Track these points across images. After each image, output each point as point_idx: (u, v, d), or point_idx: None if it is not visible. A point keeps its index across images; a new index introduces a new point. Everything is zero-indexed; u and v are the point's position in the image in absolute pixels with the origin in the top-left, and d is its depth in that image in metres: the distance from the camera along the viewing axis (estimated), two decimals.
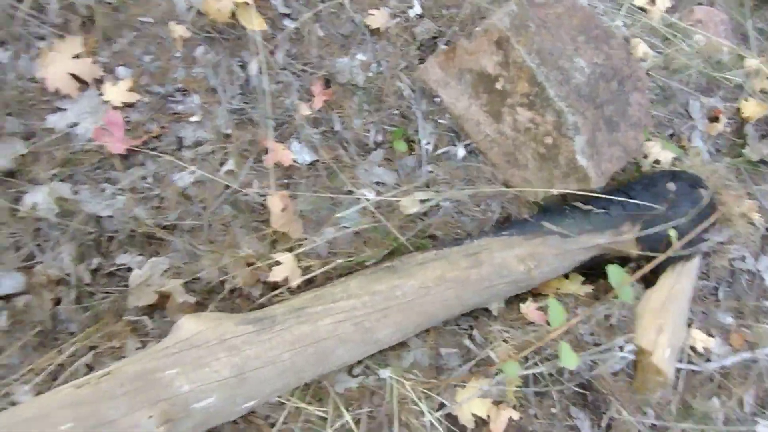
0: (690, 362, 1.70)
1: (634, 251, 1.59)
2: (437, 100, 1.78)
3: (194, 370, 1.15)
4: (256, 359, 1.22)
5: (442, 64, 1.69)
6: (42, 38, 1.55)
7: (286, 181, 1.61)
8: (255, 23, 1.72)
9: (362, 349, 1.34)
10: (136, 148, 1.51)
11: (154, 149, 1.53)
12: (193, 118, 1.61)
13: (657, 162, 1.91)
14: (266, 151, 1.61)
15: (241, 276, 1.47)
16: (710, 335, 1.77)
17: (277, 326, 1.30)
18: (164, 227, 1.45)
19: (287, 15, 1.80)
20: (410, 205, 1.63)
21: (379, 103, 1.76)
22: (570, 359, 1.20)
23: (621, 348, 1.71)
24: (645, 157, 1.90)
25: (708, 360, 1.75)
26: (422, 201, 1.65)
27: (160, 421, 1.06)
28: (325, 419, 1.41)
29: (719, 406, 1.68)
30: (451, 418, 1.51)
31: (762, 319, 1.85)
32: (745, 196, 1.94)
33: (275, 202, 1.44)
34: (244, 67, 1.70)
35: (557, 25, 1.55)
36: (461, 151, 1.72)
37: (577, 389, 1.62)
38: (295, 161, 1.63)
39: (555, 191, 1.52)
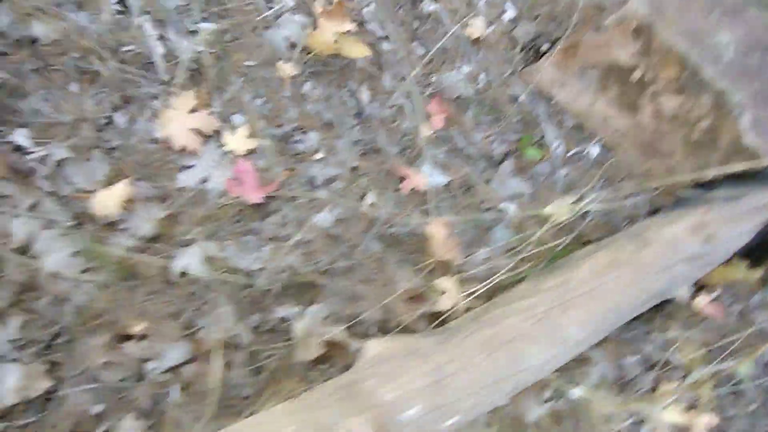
0: None
1: None
2: (553, 101, 1.76)
3: (391, 380, 1.09)
4: (449, 364, 1.15)
5: (559, 63, 1.66)
6: (155, 97, 1.53)
7: (425, 207, 1.57)
8: (356, 51, 1.71)
9: (553, 348, 1.27)
10: (270, 195, 1.47)
11: (287, 194, 1.49)
12: (317, 156, 1.58)
13: None
14: (401, 180, 1.57)
15: (405, 311, 1.42)
16: None
17: (460, 334, 1.24)
18: (317, 272, 1.41)
19: (385, 38, 1.78)
20: (561, 212, 1.59)
21: (495, 113, 1.73)
22: None
23: None
24: None
25: None
26: (568, 206, 1.61)
27: (372, 429, 1.02)
28: None
29: None
30: None
31: None
32: None
33: (437, 229, 1.40)
34: (353, 96, 1.67)
35: (688, 4, 1.52)
36: (595, 150, 1.68)
37: None
38: (430, 186, 1.59)
39: (711, 173, 1.48)
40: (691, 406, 1.42)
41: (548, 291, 1.30)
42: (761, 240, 1.54)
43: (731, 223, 1.46)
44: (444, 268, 1.40)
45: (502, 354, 1.18)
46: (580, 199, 1.57)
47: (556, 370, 1.36)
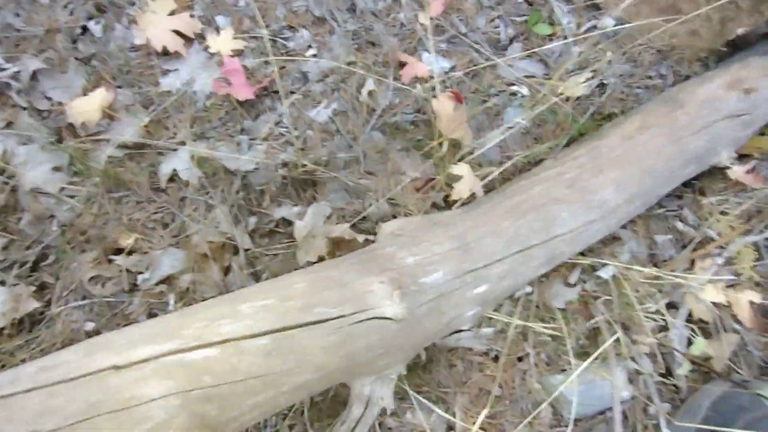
0: None
1: None
2: None
3: (414, 246, 0.94)
4: (474, 229, 0.98)
5: None
6: (132, 3, 1.32)
7: (429, 93, 1.35)
8: None
9: (587, 214, 1.06)
10: (261, 92, 1.27)
11: (278, 91, 1.28)
12: (310, 52, 1.36)
13: None
14: (400, 67, 1.35)
15: (415, 202, 1.21)
16: None
17: (485, 204, 1.05)
18: (316, 166, 1.20)
19: None
20: (573, 87, 1.34)
21: None
22: None
23: None
24: None
25: None
26: (584, 83, 1.36)
27: (392, 288, 0.81)
28: (556, 337, 1.13)
29: None
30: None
31: None
32: None
33: (444, 103, 1.17)
34: None
35: None
36: (609, 21, 1.43)
37: None
38: (431, 72, 1.36)
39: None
40: (732, 283, 1.18)
41: (577, 159, 1.10)
42: None
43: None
44: (455, 150, 1.17)
45: (532, 217, 0.99)
46: (596, 73, 1.32)
47: (589, 250, 1.14)
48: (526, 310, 1.14)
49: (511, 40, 1.44)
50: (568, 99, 1.34)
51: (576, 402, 1.04)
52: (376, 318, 0.82)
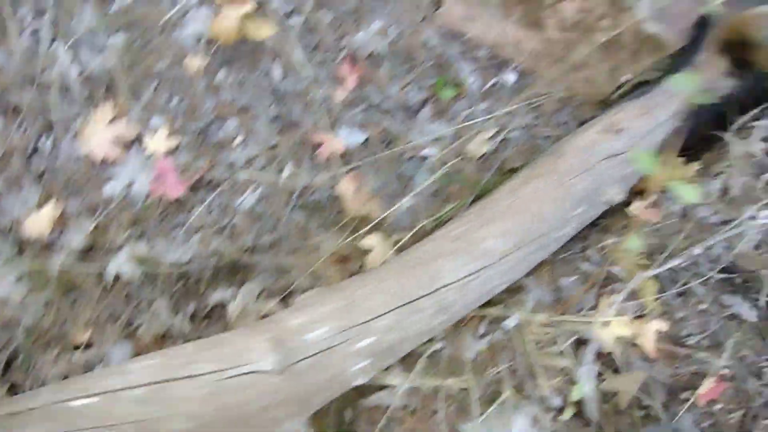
0: None
1: None
2: (466, 38, 1.58)
3: (302, 309, 1.09)
4: (362, 288, 1.11)
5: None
6: (76, 117, 1.46)
7: (346, 168, 1.45)
8: (262, 31, 1.58)
9: (473, 263, 1.15)
10: (194, 186, 1.39)
11: (210, 182, 1.40)
12: (237, 140, 1.48)
13: None
14: (317, 147, 1.46)
15: (334, 274, 1.32)
16: None
17: (377, 268, 1.21)
18: (245, 251, 1.32)
19: (291, 12, 1.64)
20: (479, 145, 1.43)
21: (409, 63, 1.58)
22: (688, 192, 0.99)
23: (753, 218, 1.44)
24: None
25: None
26: (489, 139, 1.45)
27: (270, 344, 0.98)
28: (466, 389, 1.23)
29: None
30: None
31: None
32: None
33: (346, 186, 1.29)
34: (267, 76, 1.55)
35: None
36: (511, 77, 1.51)
37: (722, 276, 1.36)
38: (348, 146, 1.47)
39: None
40: (638, 316, 1.26)
41: (466, 215, 1.18)
42: (692, 135, 1.34)
43: (642, 116, 1.28)
44: (366, 223, 1.28)
45: (419, 271, 1.09)
46: (501, 130, 1.41)
47: (492, 302, 1.23)
48: (435, 365, 1.24)
49: (422, 105, 1.53)
50: (477, 157, 1.42)
51: None
52: (253, 372, 0.93)
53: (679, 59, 1.34)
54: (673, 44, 1.27)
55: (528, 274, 1.32)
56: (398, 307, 1.07)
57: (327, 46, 1.59)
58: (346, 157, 1.46)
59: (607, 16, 1.29)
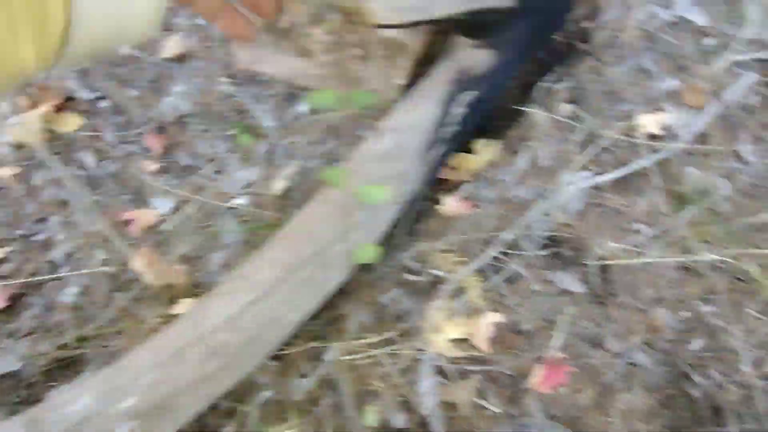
0: (652, 153, 1.31)
1: None
2: (262, 78, 1.55)
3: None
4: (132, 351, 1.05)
5: (242, 42, 1.46)
6: None
7: (163, 236, 1.43)
8: (70, 124, 1.59)
9: (241, 298, 1.09)
10: (18, 294, 1.39)
11: (34, 284, 1.39)
12: (59, 237, 1.47)
13: None
14: (130, 223, 1.44)
15: None
16: (661, 111, 1.37)
17: None
18: (72, 347, 1.30)
19: (100, 97, 1.65)
20: (280, 184, 1.40)
21: (212, 115, 1.55)
22: (377, 194, 0.94)
23: (570, 183, 1.36)
24: None
25: (676, 136, 1.35)
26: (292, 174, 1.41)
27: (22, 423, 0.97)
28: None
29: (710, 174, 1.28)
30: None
31: (710, 59, 1.42)
32: None
33: (140, 262, 1.26)
34: (82, 166, 1.55)
35: None
36: (303, 108, 1.47)
37: (546, 252, 1.28)
38: (160, 216, 1.44)
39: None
40: (470, 314, 1.19)
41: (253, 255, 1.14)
42: (478, 121, 1.28)
43: (409, 111, 1.22)
44: (180, 289, 1.25)
45: (184, 320, 1.03)
46: (302, 161, 1.37)
47: (310, 335, 1.18)
48: (267, 415, 1.19)
49: (229, 155, 1.50)
50: (279, 196, 1.38)
51: None
52: None
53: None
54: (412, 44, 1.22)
55: (342, 297, 1.26)
56: (164, 359, 1.03)
57: (136, 122, 1.58)
58: (158, 226, 1.43)
59: (353, 32, 1.24)
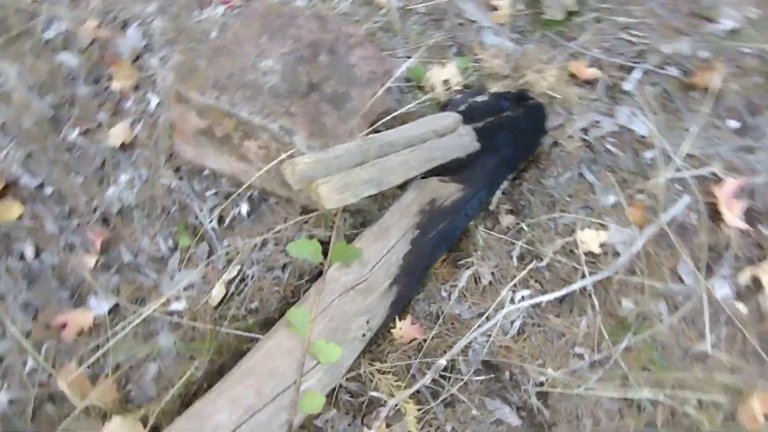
0: (592, 273, 1.20)
1: None
2: (206, 172, 1.40)
3: None
4: None
5: (184, 141, 1.32)
6: None
7: (97, 342, 1.27)
8: (10, 212, 1.42)
9: None
10: None
11: None
12: None
13: (446, 82, 1.45)
14: (64, 327, 1.28)
15: None
16: (602, 227, 1.26)
17: None
18: None
19: (41, 185, 1.48)
20: (218, 291, 1.25)
21: (157, 210, 1.40)
22: (330, 352, 0.81)
23: (512, 301, 1.23)
24: (431, 89, 1.44)
25: (616, 254, 1.24)
26: (230, 281, 1.27)
27: None
28: None
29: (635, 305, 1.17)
30: None
31: (651, 174, 1.32)
32: (573, 58, 1.44)
33: (63, 381, 1.11)
34: (21, 258, 1.38)
35: (236, 43, 1.15)
36: (244, 207, 1.33)
37: (482, 378, 1.16)
38: (96, 317, 1.28)
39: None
40: None
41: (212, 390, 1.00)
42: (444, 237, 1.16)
43: (376, 240, 1.13)
44: (106, 408, 1.09)
45: None
46: (242, 267, 1.22)
47: None
48: None
49: (171, 253, 1.35)
50: (216, 305, 1.24)
51: None
52: None
53: None
54: None
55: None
56: None
57: (79, 211, 1.42)
58: (97, 329, 1.27)
59: (279, 150, 1.11)
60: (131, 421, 1.16)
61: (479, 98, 1.28)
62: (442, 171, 1.14)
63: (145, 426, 1.17)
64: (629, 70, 1.46)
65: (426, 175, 1.10)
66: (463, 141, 1.12)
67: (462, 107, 1.21)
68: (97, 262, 1.38)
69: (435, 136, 1.08)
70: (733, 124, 1.38)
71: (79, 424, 1.19)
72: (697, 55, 1.45)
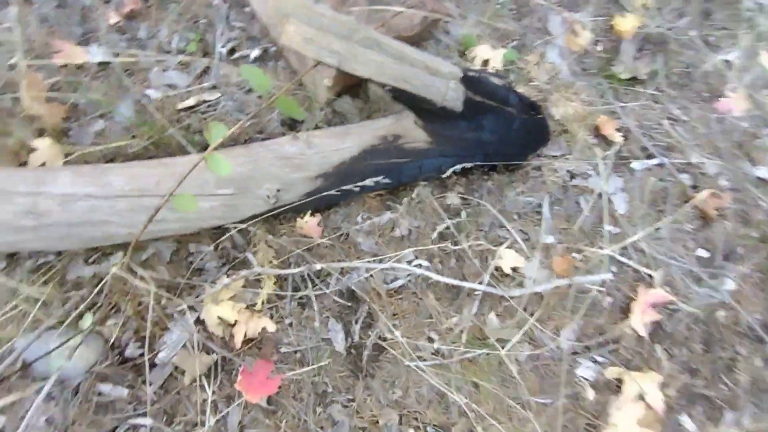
0: (490, 285, 1.16)
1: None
2: (248, 9, 1.40)
3: None
4: None
5: None
6: None
7: (72, 78, 1.31)
8: None
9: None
10: None
11: None
12: None
13: (486, 62, 1.40)
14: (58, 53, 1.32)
15: None
16: (525, 255, 1.22)
17: None
18: None
19: None
20: (188, 101, 1.27)
21: (188, 15, 1.42)
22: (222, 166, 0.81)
23: (410, 262, 1.21)
24: (469, 60, 1.39)
25: (520, 284, 1.20)
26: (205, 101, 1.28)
27: None
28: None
29: (522, 336, 1.13)
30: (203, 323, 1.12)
31: (598, 243, 1.26)
32: (608, 115, 1.38)
33: (24, 86, 1.14)
34: None
35: None
36: (254, 53, 1.33)
37: (341, 301, 1.15)
38: (86, 62, 1.32)
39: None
40: (252, 308, 1.08)
41: None
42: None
43: (333, 137, 1.10)
44: (51, 131, 1.13)
45: None
46: (219, 98, 1.23)
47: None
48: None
49: (179, 52, 1.36)
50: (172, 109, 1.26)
51: None
52: None
53: None
54: None
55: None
56: None
57: None
58: (79, 70, 1.30)
59: None
60: (58, 146, 1.20)
61: (494, 79, 1.23)
62: (412, 105, 1.10)
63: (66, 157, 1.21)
64: (649, 156, 1.39)
65: (395, 95, 1.07)
66: (447, 93, 1.08)
67: (472, 75, 1.17)
68: (117, 23, 1.41)
69: (424, 70, 1.05)
70: (703, 253, 1.30)
71: (20, 126, 1.23)
72: (717, 181, 1.36)
